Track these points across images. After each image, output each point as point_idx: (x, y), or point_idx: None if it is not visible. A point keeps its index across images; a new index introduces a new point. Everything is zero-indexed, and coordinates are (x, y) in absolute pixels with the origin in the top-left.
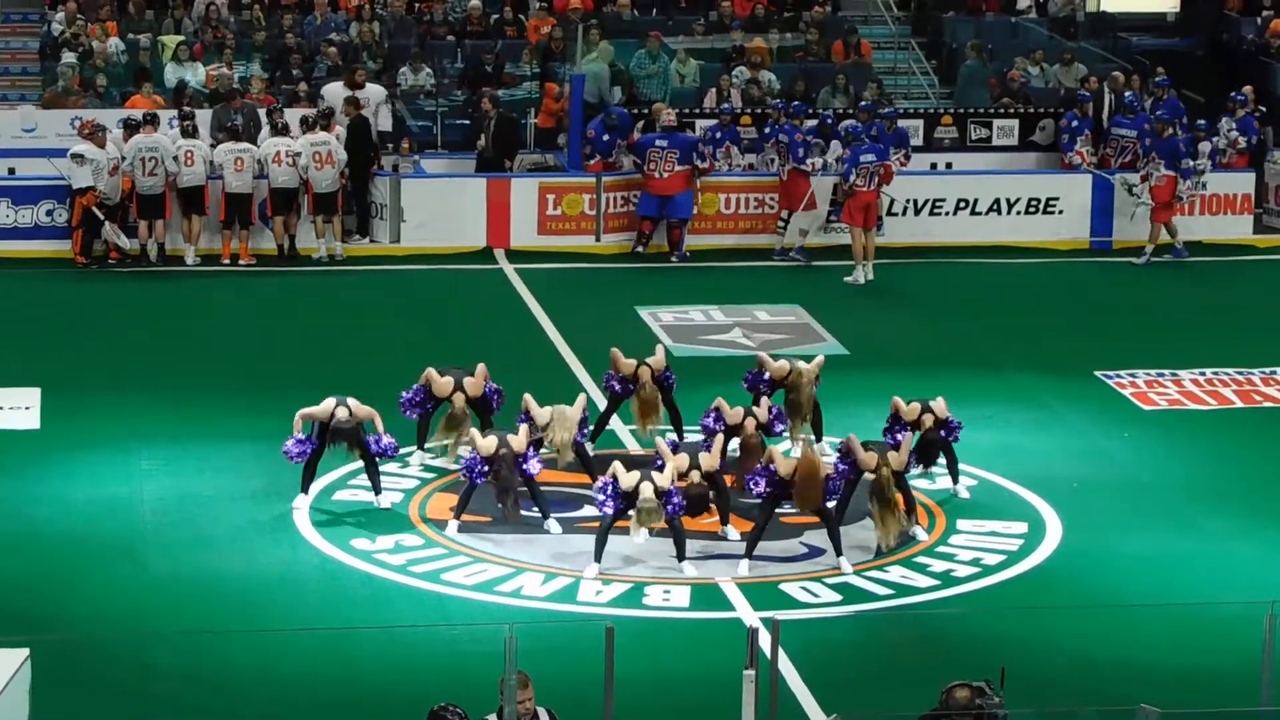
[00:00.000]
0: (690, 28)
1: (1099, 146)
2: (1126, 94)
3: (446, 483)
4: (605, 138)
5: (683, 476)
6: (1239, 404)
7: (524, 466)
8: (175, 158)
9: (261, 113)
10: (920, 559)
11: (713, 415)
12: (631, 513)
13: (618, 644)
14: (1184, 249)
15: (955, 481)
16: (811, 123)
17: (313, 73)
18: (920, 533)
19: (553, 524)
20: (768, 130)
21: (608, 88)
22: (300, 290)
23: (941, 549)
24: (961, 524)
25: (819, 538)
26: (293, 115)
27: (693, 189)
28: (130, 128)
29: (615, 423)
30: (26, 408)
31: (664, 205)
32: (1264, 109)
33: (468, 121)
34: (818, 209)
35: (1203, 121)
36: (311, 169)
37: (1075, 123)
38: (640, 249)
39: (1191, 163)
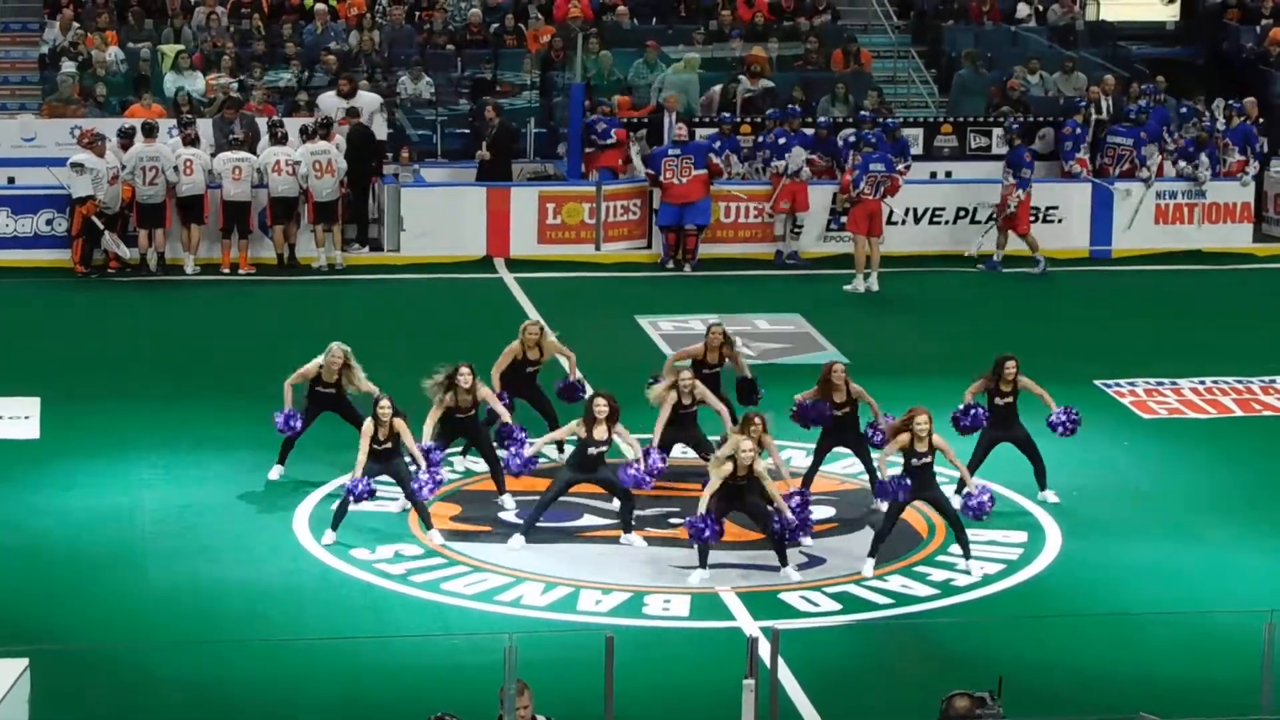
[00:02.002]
0: (690, 36)
1: (1095, 155)
2: (1138, 103)
3: (446, 492)
4: (602, 126)
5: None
6: (1238, 412)
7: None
8: (175, 167)
9: (261, 122)
10: (920, 568)
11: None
12: None
13: (618, 653)
14: (999, 263)
15: (1043, 488)
16: (808, 130)
17: (310, 81)
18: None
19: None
20: (760, 139)
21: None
22: (300, 299)
23: (941, 558)
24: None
25: (819, 547)
26: (292, 125)
27: (710, 195)
28: (125, 136)
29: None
30: (26, 417)
31: (683, 213)
32: (1262, 120)
33: (468, 131)
34: (784, 212)
35: (1190, 132)
36: (311, 178)
37: (1077, 130)
38: (670, 263)
39: (1029, 174)
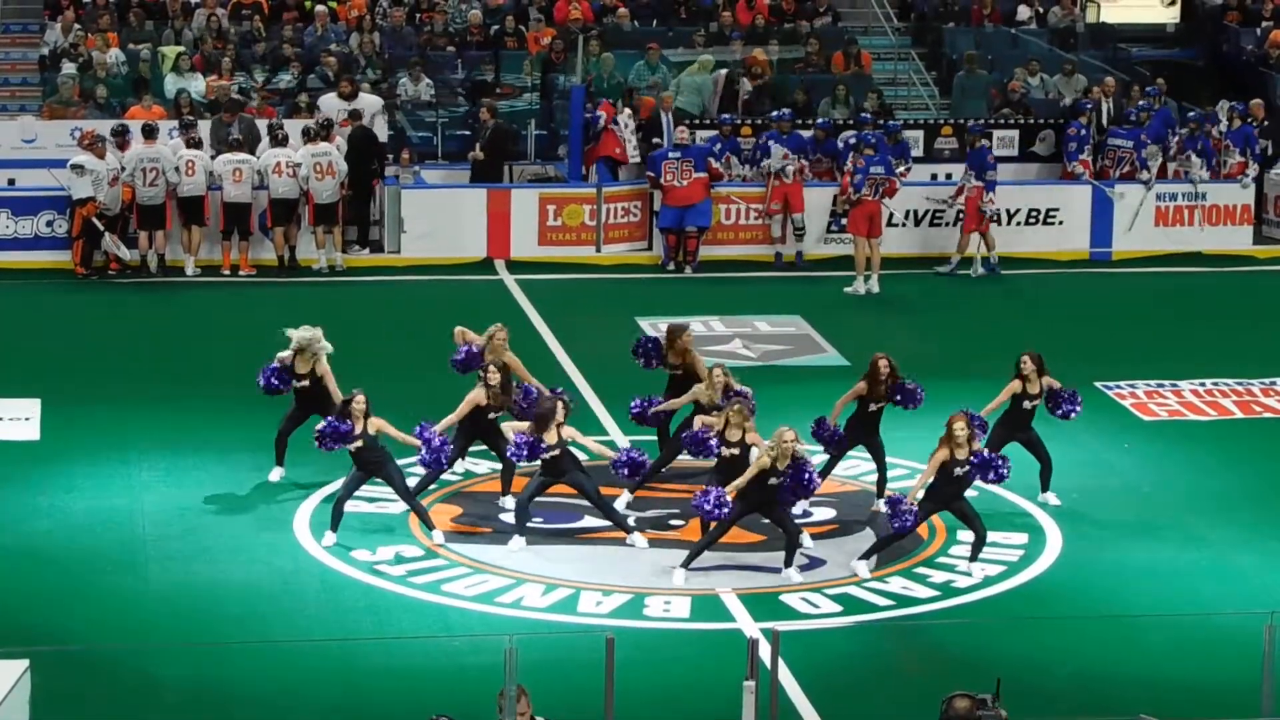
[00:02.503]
0: (690, 39)
1: (1097, 157)
2: (1139, 103)
3: (448, 493)
4: (589, 116)
5: None
6: (1239, 414)
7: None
8: (176, 168)
9: (262, 125)
10: (921, 570)
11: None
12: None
13: (618, 655)
14: (997, 262)
15: (1045, 489)
16: (806, 133)
17: (306, 83)
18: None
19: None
20: (760, 141)
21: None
22: (300, 301)
23: (942, 560)
24: (962, 535)
25: (819, 549)
26: (293, 126)
27: (710, 198)
28: (119, 135)
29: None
30: (26, 419)
31: (684, 215)
32: (1266, 122)
33: (468, 133)
34: (777, 214)
35: (1183, 130)
36: (312, 179)
37: (1083, 131)
38: (671, 265)
39: (995, 175)
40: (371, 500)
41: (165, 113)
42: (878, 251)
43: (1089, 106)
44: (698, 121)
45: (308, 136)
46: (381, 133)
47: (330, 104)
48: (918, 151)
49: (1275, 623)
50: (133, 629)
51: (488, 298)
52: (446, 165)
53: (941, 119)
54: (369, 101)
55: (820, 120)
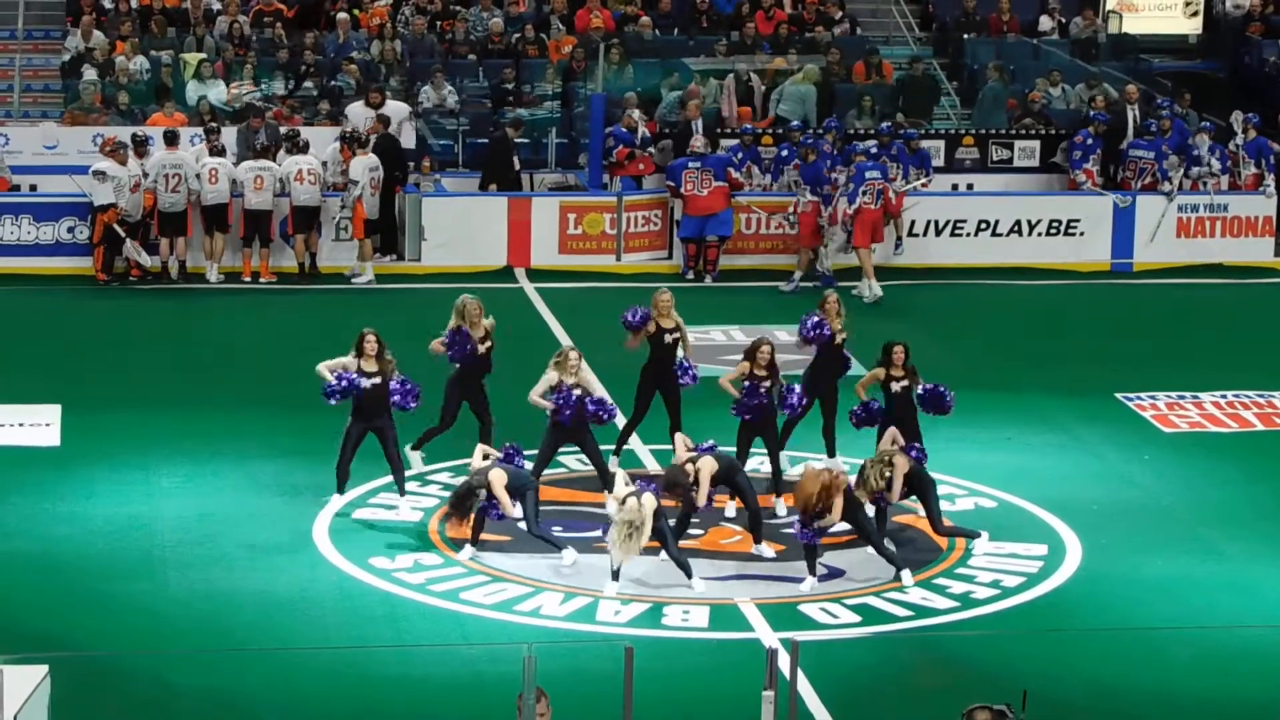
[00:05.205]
0: (712, 48)
1: (1118, 168)
2: (1159, 116)
3: None
4: (610, 143)
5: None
6: (1260, 427)
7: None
8: (199, 175)
9: (281, 131)
10: (940, 580)
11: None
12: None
13: (637, 664)
14: (831, 275)
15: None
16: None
17: (338, 90)
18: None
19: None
20: (785, 153)
21: (813, 108)
22: (320, 308)
23: (961, 571)
24: (981, 546)
25: (838, 559)
26: (311, 134)
27: (731, 207)
28: (138, 144)
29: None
30: (47, 425)
31: (704, 225)
32: None
33: (485, 140)
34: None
35: (1191, 143)
36: (366, 193)
37: (1089, 140)
38: (691, 274)
39: (835, 191)
40: (389, 508)
41: (187, 120)
42: (869, 259)
43: (1102, 118)
44: (719, 131)
45: (360, 145)
46: (410, 140)
47: (357, 112)
48: (938, 161)
49: None
50: (151, 636)
51: (508, 306)
52: (468, 174)
53: (962, 129)
54: (396, 109)
55: (830, 121)
